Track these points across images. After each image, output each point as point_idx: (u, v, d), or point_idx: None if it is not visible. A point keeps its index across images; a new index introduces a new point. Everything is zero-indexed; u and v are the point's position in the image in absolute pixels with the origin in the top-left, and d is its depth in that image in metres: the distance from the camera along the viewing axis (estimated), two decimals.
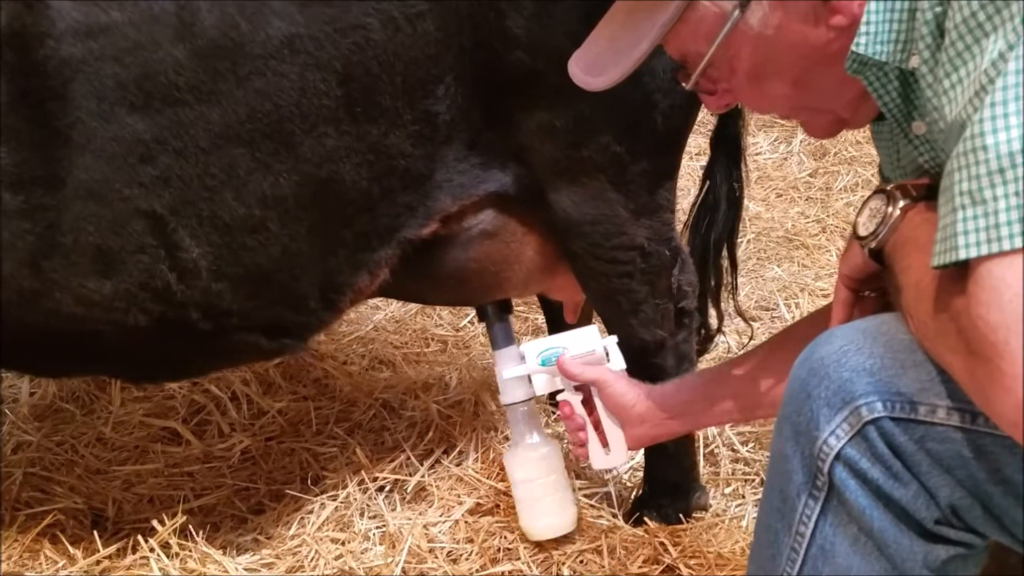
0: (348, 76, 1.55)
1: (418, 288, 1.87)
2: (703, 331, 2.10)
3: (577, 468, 2.07)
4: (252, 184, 1.57)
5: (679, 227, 1.90)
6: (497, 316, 1.87)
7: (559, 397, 1.68)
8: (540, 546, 1.83)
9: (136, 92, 1.50)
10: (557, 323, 2.19)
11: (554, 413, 2.29)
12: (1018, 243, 0.85)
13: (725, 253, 2.07)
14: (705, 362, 2.39)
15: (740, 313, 2.23)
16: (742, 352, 1.81)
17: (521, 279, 1.87)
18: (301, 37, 1.52)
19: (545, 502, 1.82)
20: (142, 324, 1.64)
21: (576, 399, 1.65)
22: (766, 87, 1.19)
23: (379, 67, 1.55)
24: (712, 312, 2.12)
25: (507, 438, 2.17)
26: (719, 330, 2.18)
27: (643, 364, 1.78)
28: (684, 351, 1.90)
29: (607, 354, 1.68)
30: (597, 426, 1.64)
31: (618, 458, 1.64)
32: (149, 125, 1.51)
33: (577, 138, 1.65)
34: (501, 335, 1.86)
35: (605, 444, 1.64)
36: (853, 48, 1.09)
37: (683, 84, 1.22)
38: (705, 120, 2.76)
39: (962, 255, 0.88)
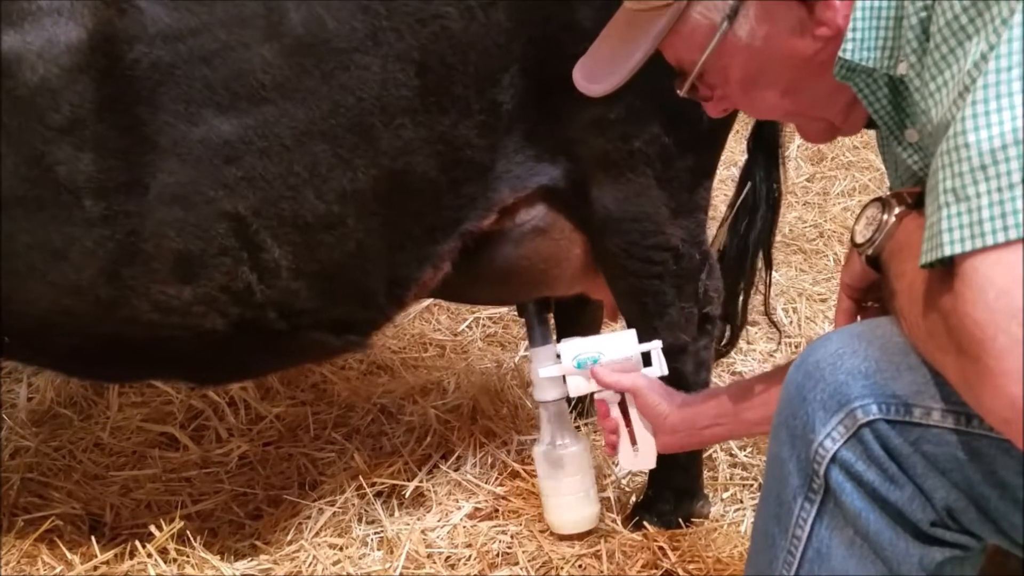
0: (425, 66, 1.56)
1: (466, 286, 1.88)
2: (732, 329, 2.11)
3: None
4: (333, 180, 1.58)
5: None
6: (537, 314, 1.89)
7: (596, 397, 1.68)
8: (539, 550, 1.84)
9: (223, 93, 1.51)
10: (566, 328, 2.19)
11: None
12: (1001, 238, 0.86)
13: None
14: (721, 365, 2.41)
15: (768, 314, 2.23)
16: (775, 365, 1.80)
17: (568, 277, 1.88)
18: (384, 30, 1.53)
19: (570, 499, 1.86)
20: (219, 328, 1.64)
21: (613, 400, 1.65)
22: (758, 95, 1.21)
23: (454, 56, 1.57)
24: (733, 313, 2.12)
25: (505, 443, 2.18)
26: (742, 329, 2.18)
27: None
28: (703, 357, 1.90)
29: (644, 359, 1.67)
30: (629, 428, 1.64)
31: (647, 462, 1.65)
32: (235, 126, 1.52)
33: (629, 129, 1.67)
34: (539, 333, 1.89)
35: (635, 444, 1.64)
36: (840, 54, 1.10)
37: (678, 91, 1.24)
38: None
39: (947, 251, 0.89)
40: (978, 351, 0.87)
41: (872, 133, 1.32)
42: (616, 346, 1.65)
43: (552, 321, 2.33)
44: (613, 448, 1.67)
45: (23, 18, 1.45)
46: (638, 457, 1.65)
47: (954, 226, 0.89)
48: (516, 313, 1.97)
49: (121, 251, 1.55)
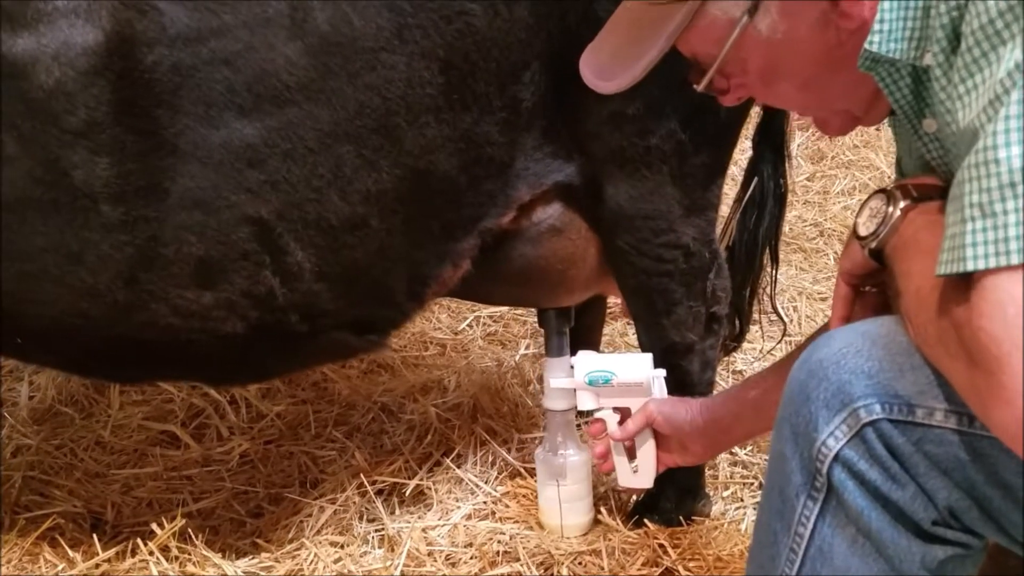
0: (450, 63, 1.55)
1: (485, 286, 1.87)
2: (739, 325, 2.11)
3: None
4: (357, 181, 1.57)
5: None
6: (557, 327, 1.92)
7: (595, 415, 1.65)
8: (539, 548, 1.84)
9: (246, 95, 1.49)
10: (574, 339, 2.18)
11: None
12: None
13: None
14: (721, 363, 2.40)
15: (775, 308, 2.24)
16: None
17: (584, 278, 1.88)
18: (410, 27, 1.52)
19: (566, 507, 1.88)
20: (239, 331, 1.63)
21: (613, 419, 1.62)
22: (776, 88, 1.20)
23: (477, 53, 1.56)
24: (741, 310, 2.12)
25: (505, 441, 2.18)
26: (747, 327, 2.18)
27: (668, 366, 1.73)
28: (709, 357, 1.90)
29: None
30: (629, 447, 1.62)
31: (645, 480, 1.63)
32: (258, 129, 1.51)
33: (646, 125, 1.66)
34: (556, 345, 1.91)
35: (633, 461, 1.62)
36: (866, 46, 1.08)
37: (695, 86, 1.21)
38: None
39: (970, 266, 0.88)
40: (993, 366, 0.87)
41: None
42: (630, 368, 1.61)
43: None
44: (603, 459, 1.65)
45: (38, 19, 1.43)
46: (637, 476, 1.63)
47: (978, 241, 0.88)
48: (516, 312, 1.98)
49: (140, 256, 1.54)
